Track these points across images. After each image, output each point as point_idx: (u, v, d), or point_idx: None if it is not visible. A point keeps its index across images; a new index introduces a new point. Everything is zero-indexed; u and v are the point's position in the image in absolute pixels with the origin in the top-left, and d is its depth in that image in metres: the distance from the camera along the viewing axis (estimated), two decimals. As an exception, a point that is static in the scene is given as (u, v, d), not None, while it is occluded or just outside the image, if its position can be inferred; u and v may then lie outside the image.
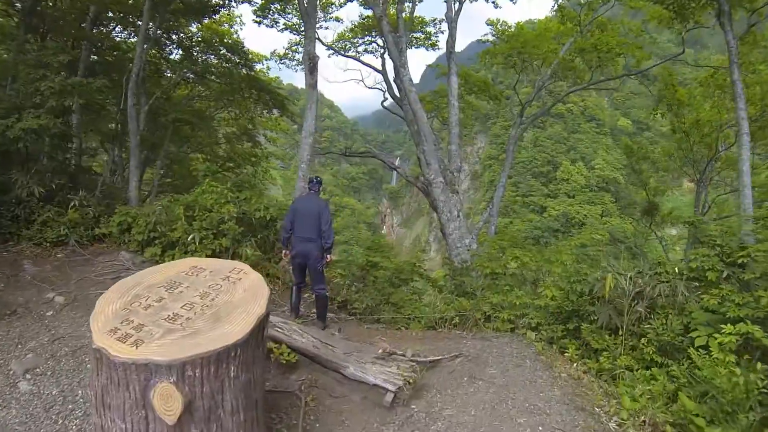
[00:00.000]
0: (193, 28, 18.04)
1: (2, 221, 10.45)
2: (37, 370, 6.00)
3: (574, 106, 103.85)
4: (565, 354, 7.35)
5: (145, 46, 13.67)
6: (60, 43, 12.94)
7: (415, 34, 21.16)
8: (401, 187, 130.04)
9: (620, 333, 6.98)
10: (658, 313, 7.06)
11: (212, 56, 18.02)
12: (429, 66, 21.89)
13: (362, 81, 20.33)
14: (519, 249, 11.15)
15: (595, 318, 7.30)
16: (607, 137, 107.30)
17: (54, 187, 11.10)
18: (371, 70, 18.58)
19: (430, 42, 21.24)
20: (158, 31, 15.54)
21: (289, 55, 21.73)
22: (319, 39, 19.91)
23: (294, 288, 8.08)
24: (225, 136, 21.95)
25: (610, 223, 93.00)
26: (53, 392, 5.50)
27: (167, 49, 17.47)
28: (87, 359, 6.19)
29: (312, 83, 10.80)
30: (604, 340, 7.01)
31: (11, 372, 5.92)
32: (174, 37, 17.11)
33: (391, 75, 16.83)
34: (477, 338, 7.79)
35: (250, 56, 17.98)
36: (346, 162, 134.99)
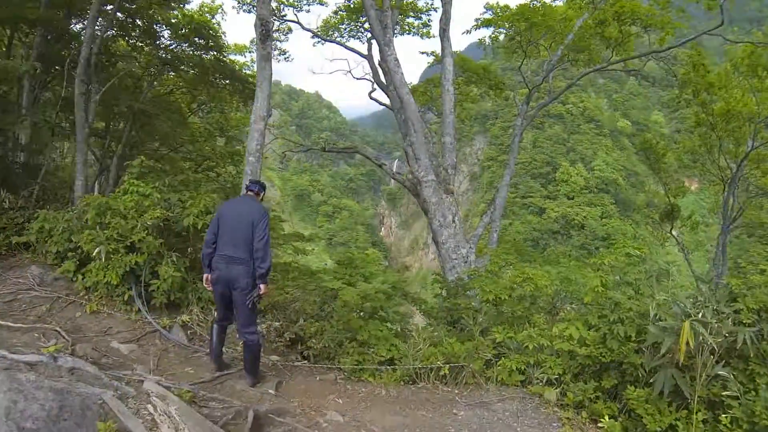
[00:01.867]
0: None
1: None
2: None
3: (574, 107, 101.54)
4: (600, 426, 4.96)
5: (97, 27, 11.40)
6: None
7: (408, 20, 18.71)
8: (400, 188, 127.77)
9: (689, 404, 4.56)
10: (737, 370, 4.68)
11: (185, 44, 15.58)
12: (422, 53, 19.19)
13: (350, 72, 17.81)
14: (529, 263, 8.72)
15: (646, 376, 4.89)
16: (606, 138, 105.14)
17: None
18: (360, 59, 16.13)
19: (424, 30, 18.80)
20: (118, 14, 13.13)
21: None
22: (299, 23, 17.51)
23: (215, 327, 5.68)
24: (198, 133, 19.43)
25: (610, 224, 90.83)
26: None
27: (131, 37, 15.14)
28: None
29: (264, 54, 8.28)
30: (664, 416, 4.57)
31: None
32: (139, 22, 14.78)
33: (377, 59, 14.38)
34: (473, 403, 5.36)
35: (216, 37, 15.49)
36: (345, 163, 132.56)
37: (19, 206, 10.04)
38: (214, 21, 17.46)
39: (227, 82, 16.57)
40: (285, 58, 19.44)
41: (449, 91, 12.08)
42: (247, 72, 18.61)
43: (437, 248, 11.22)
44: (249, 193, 5.83)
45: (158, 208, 7.39)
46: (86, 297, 7.35)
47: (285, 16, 17.86)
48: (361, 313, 7.00)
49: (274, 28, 18.49)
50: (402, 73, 11.46)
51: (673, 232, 18.76)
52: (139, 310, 6.97)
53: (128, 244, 7.07)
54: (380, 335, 6.80)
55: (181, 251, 7.57)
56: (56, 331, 6.16)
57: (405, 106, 11.38)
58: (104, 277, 7.04)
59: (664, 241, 20.20)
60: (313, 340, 6.80)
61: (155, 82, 16.55)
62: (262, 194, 5.89)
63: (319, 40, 18.23)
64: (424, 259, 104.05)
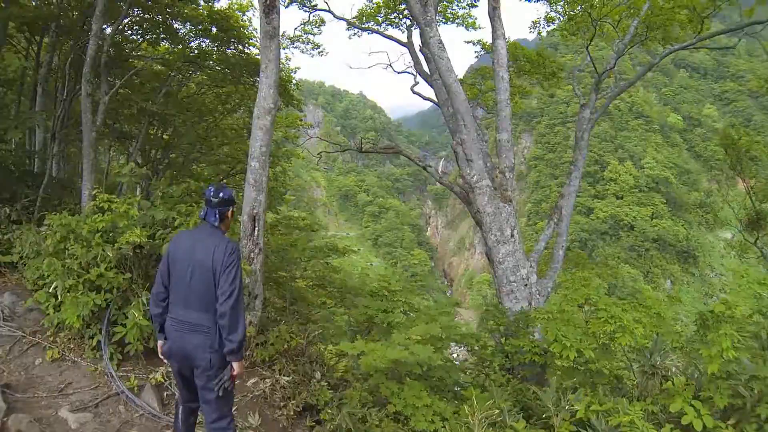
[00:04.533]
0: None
1: None
2: None
3: (622, 102, 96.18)
4: None
5: (106, 25, 10.35)
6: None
7: (451, 9, 16.44)
8: (445, 188, 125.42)
9: None
10: None
11: (206, 39, 13.98)
12: (468, 42, 16.79)
13: (390, 65, 15.81)
14: (616, 299, 6.43)
15: None
16: (656, 134, 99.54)
17: None
18: (400, 50, 14.19)
19: (470, 21, 16.49)
20: (131, 9, 11.67)
21: (302, 37, 17.30)
22: (330, 11, 15.52)
23: (180, 408, 3.74)
24: (230, 133, 17.83)
25: (660, 225, 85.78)
26: None
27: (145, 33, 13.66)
28: None
29: (269, 30, 6.25)
30: None
31: None
32: (157, 18, 13.30)
33: (418, 46, 12.24)
34: None
35: (238, 29, 13.76)
36: (390, 163, 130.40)
37: (11, 219, 8.60)
38: (244, 18, 15.88)
39: (256, 79, 14.87)
40: (319, 53, 17.47)
41: (503, 78, 9.78)
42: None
43: (492, 268, 8.98)
44: (208, 221, 3.57)
45: (135, 230, 5.47)
46: (54, 338, 5.67)
47: (316, 6, 15.90)
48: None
49: (305, 20, 16.67)
50: (448, 58, 9.24)
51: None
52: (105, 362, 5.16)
53: (90, 279, 5.22)
54: (420, 403, 4.71)
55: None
56: None
57: (452, 97, 9.18)
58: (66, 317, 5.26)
59: (743, 253, 17.11)
60: (329, 411, 4.77)
61: (177, 82, 15.04)
62: (229, 214, 3.63)
63: (356, 31, 16.26)
64: (470, 260, 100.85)
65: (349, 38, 17.05)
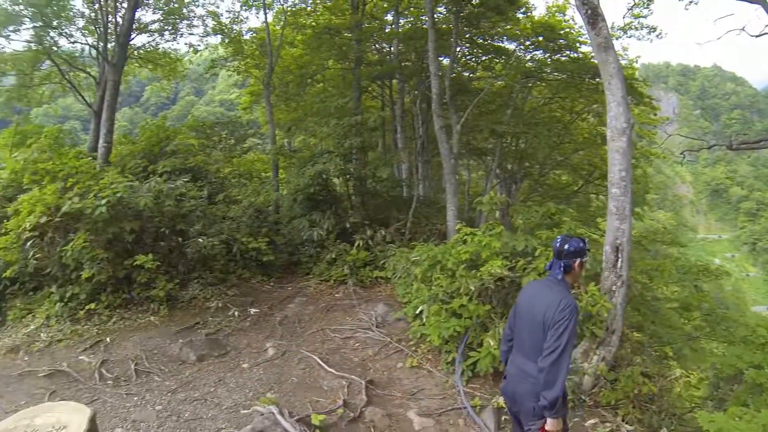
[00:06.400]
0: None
1: (301, 258, 10.67)
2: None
3: None
4: None
5: (440, 60, 11.56)
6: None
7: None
8: None
9: None
10: None
11: (537, 51, 13.98)
12: None
13: (743, 29, 12.70)
14: None
15: None
16: None
17: (347, 226, 10.81)
18: (752, 7, 11.11)
19: None
20: (458, 41, 12.76)
21: (633, 23, 15.08)
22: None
23: None
24: (582, 140, 17.32)
25: None
26: None
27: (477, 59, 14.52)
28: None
29: (600, 43, 5.54)
30: None
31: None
32: (480, 41, 13.99)
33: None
34: None
35: (565, 34, 13.15)
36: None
37: (386, 240, 10.28)
38: (565, 19, 15.18)
39: (598, 80, 13.97)
40: (657, 35, 14.90)
41: None
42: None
43: None
44: (552, 273, 3.40)
45: (497, 261, 5.72)
46: (415, 348, 6.56)
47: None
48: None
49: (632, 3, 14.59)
50: None
51: None
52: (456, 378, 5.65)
53: (452, 307, 5.73)
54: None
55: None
56: (362, 383, 5.59)
57: None
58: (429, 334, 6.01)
59: None
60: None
61: (520, 98, 15.42)
62: (576, 266, 3.37)
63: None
64: None
65: (685, 8, 14.09)
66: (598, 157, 16.78)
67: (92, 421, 2.47)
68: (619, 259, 5.50)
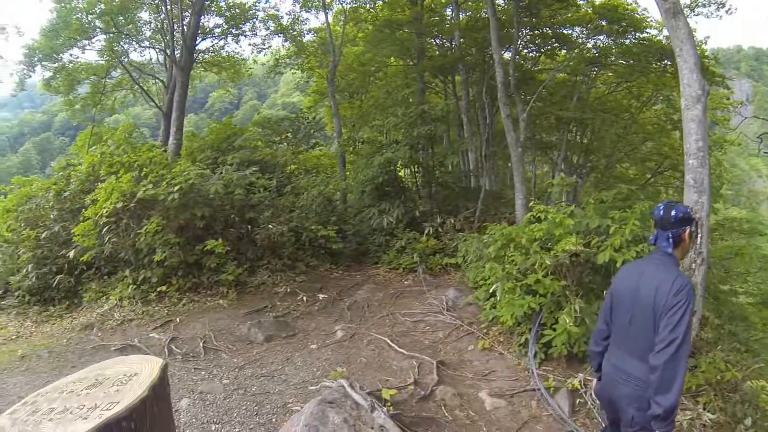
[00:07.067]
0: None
1: (370, 247, 10.94)
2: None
3: None
4: None
5: (504, 50, 11.67)
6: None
7: None
8: None
9: None
10: None
11: (600, 36, 13.57)
12: None
13: None
14: None
15: None
16: None
17: (417, 215, 11.02)
18: None
19: None
20: (519, 31, 12.63)
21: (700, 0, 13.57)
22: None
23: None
24: (651, 129, 16.54)
25: None
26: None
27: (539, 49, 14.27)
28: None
29: (669, 8, 5.15)
30: None
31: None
32: (546, 30, 13.77)
33: None
34: None
35: (629, 15, 12.61)
36: None
37: (456, 228, 10.36)
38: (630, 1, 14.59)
39: (666, 63, 13.35)
40: (727, 11, 13.41)
41: None
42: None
43: None
44: (660, 246, 2.83)
45: (571, 238, 5.65)
46: (486, 330, 6.58)
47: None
48: None
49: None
50: None
51: None
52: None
53: (526, 283, 5.73)
54: None
55: (600, 292, 5.61)
56: (433, 363, 5.67)
57: None
58: (501, 315, 5.97)
59: None
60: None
61: (584, 86, 15.04)
62: (686, 236, 2.79)
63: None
64: None
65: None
66: (667, 146, 16.17)
67: (164, 369, 2.54)
68: (699, 235, 5.29)
